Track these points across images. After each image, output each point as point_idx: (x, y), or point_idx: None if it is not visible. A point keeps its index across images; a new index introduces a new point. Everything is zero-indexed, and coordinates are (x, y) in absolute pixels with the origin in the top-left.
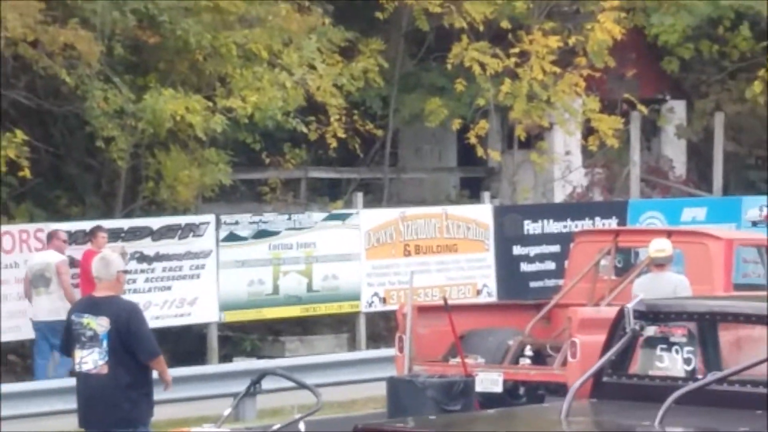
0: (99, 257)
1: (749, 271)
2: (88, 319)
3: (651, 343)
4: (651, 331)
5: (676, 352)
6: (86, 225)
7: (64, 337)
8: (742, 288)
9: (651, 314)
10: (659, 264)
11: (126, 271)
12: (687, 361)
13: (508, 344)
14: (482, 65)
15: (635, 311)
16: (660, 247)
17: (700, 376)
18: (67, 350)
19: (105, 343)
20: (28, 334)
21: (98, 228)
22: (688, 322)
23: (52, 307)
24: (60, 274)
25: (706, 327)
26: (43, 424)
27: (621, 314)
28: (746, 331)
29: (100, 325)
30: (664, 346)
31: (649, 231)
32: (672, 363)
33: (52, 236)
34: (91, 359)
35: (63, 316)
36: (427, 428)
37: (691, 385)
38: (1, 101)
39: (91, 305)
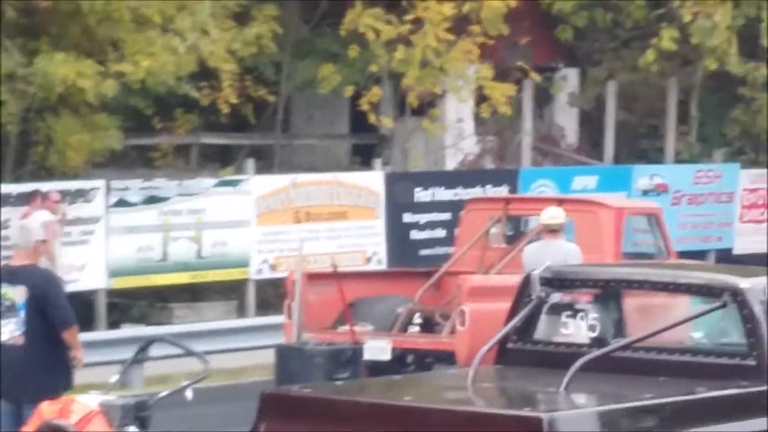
0: (18, 225)
1: (639, 239)
2: (5, 289)
3: (556, 309)
4: (556, 297)
5: (581, 318)
6: None
7: None
8: (632, 257)
9: (557, 281)
10: (552, 231)
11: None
12: (592, 328)
13: (397, 312)
14: (376, 32)
15: (541, 278)
16: (553, 214)
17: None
18: None
19: (22, 313)
20: None
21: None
22: (593, 289)
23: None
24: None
25: (611, 294)
26: None
27: (527, 281)
28: (650, 299)
29: (18, 294)
30: (569, 312)
31: (539, 199)
32: (577, 330)
33: (44, 198)
34: (7, 329)
35: None
36: (336, 394)
37: (597, 352)
38: None
39: (9, 274)
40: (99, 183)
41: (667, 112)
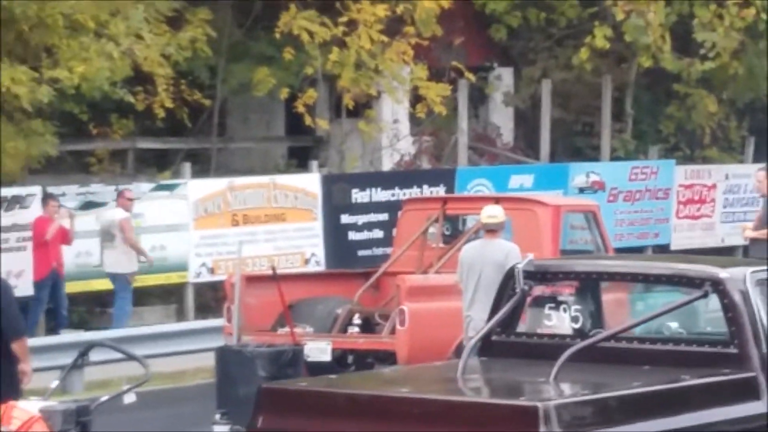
0: None
1: (576, 237)
2: None
3: (539, 302)
4: (539, 290)
5: (564, 310)
6: None
7: None
8: (570, 254)
9: (539, 274)
10: (491, 230)
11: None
12: (574, 319)
13: (336, 313)
14: (311, 34)
15: (524, 271)
16: (492, 212)
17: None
18: None
19: None
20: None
21: (49, 196)
22: (575, 282)
23: (117, 259)
24: (123, 230)
25: (592, 286)
26: None
27: (510, 274)
28: (628, 290)
29: None
30: (552, 305)
31: (476, 198)
32: (560, 321)
33: (119, 195)
34: None
35: (127, 269)
36: (333, 387)
37: (585, 342)
38: None
39: None
40: (35, 189)
41: (601, 110)
